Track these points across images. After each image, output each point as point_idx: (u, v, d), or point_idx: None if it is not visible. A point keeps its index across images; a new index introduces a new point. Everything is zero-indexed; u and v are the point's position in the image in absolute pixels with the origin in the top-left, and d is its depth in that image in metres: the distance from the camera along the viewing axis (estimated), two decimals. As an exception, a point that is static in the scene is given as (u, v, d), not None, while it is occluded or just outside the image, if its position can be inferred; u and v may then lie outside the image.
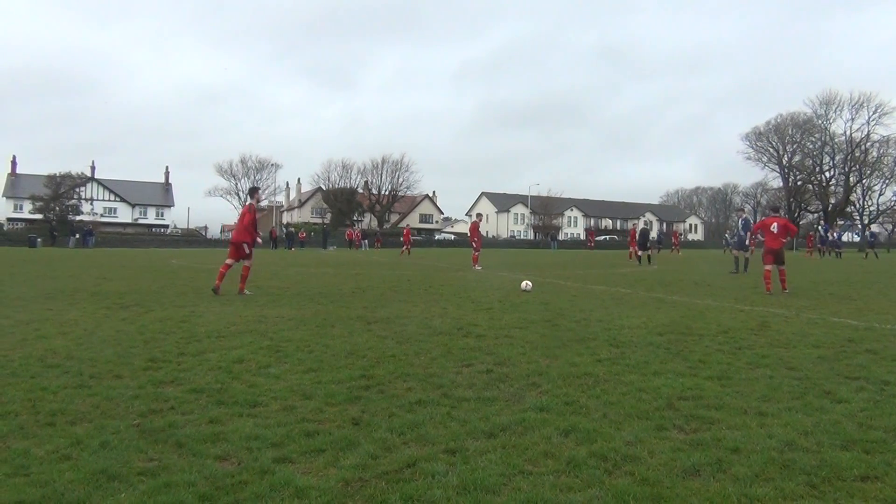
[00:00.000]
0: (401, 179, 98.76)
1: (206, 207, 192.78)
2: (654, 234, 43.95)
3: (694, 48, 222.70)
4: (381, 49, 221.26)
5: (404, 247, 44.97)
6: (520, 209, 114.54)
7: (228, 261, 13.34)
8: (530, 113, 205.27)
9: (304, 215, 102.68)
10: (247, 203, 14.08)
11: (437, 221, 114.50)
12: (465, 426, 4.40)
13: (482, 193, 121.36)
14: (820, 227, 51.47)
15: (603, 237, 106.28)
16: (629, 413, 4.73)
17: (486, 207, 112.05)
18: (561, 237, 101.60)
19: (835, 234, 49.97)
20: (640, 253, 31.57)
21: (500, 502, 3.26)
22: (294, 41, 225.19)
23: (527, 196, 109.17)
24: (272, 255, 39.19)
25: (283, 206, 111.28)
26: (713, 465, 3.71)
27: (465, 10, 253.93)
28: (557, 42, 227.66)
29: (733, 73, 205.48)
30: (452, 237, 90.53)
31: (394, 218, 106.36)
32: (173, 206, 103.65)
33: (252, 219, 13.60)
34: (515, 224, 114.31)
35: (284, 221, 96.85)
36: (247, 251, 13.41)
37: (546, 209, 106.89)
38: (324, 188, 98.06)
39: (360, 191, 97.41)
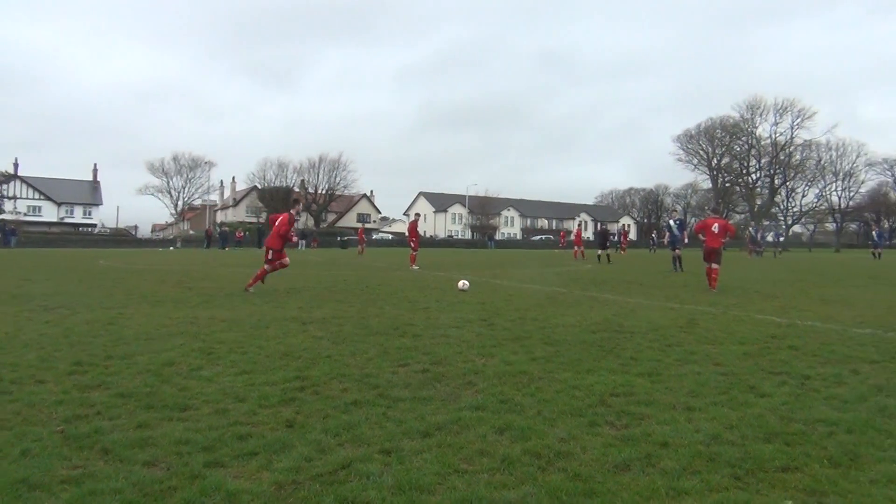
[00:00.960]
0: (338, 178, 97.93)
1: (137, 206, 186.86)
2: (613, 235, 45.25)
3: (629, 55, 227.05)
4: (324, 49, 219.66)
5: (360, 245, 46.21)
6: (457, 209, 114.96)
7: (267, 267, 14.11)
8: (471, 114, 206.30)
9: (238, 214, 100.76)
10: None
11: (374, 221, 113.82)
12: (401, 426, 4.40)
13: (420, 193, 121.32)
14: (751, 228, 53.35)
15: (539, 237, 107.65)
16: (563, 410, 4.80)
17: (424, 207, 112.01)
18: (498, 237, 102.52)
19: (763, 235, 51.86)
20: (599, 252, 32.68)
21: (435, 502, 3.27)
22: (234, 39, 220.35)
23: (464, 196, 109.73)
24: (206, 255, 38.34)
25: (216, 204, 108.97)
26: (643, 460, 3.80)
27: (408, 13, 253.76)
28: (499, 46, 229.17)
29: (666, 79, 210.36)
30: (390, 237, 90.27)
31: (331, 217, 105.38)
32: (101, 204, 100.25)
33: (287, 229, 14.14)
34: (453, 224, 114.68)
35: (218, 220, 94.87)
36: (269, 257, 14.03)
37: (483, 209, 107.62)
38: (259, 187, 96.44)
39: (297, 189, 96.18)
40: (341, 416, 4.64)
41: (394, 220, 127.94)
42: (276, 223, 14.32)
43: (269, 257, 14.03)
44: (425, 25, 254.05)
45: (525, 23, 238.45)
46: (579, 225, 40.74)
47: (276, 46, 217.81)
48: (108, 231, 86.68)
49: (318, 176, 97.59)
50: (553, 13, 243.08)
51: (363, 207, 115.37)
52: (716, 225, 16.09)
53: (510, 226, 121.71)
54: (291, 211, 14.46)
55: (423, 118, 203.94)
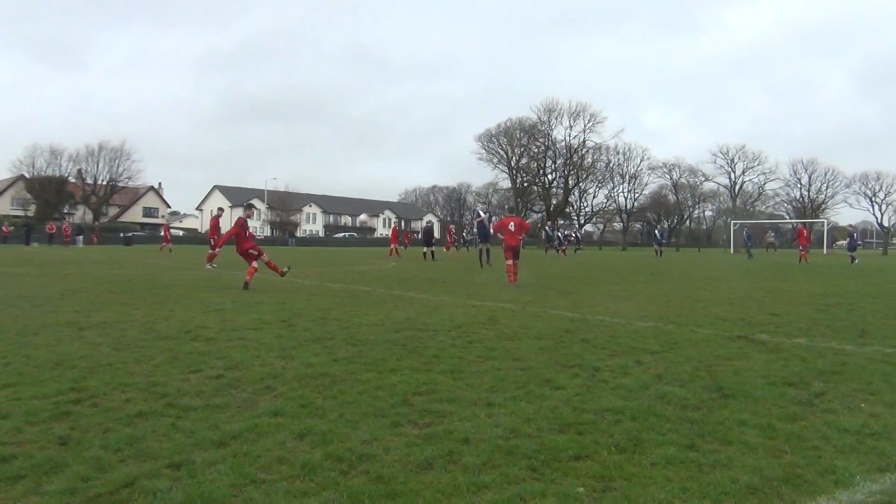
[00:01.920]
0: (121, 169, 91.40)
1: None
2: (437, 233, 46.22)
3: (438, 54, 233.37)
4: (116, 25, 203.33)
5: (164, 243, 41.34)
6: (256, 204, 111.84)
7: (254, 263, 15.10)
8: (276, 107, 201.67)
9: (2, 206, 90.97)
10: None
11: (163, 216, 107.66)
12: (192, 437, 4.20)
13: (215, 187, 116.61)
14: (547, 227, 56.79)
15: (343, 234, 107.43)
16: (365, 412, 4.82)
17: (220, 202, 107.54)
18: (300, 234, 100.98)
19: (561, 233, 55.38)
20: (425, 250, 33.68)
21: (229, 515, 3.16)
22: (6, 8, 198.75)
23: (263, 190, 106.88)
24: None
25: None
26: (445, 458, 3.91)
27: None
28: (308, 37, 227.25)
29: (472, 79, 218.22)
30: (181, 233, 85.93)
31: (113, 211, 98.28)
32: None
33: (237, 231, 15.47)
34: (251, 220, 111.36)
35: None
36: (255, 253, 15.21)
37: (284, 204, 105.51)
38: (27, 176, 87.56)
39: (73, 180, 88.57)
40: (124, 429, 4.34)
41: (185, 215, 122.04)
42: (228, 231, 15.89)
43: (256, 253, 15.21)
44: (231, 11, 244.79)
45: (335, 15, 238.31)
46: (395, 225, 41.45)
47: (58, 20, 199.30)
48: None
49: (97, 165, 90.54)
50: (364, 8, 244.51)
51: (150, 201, 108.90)
52: (512, 223, 17.20)
53: (312, 222, 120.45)
54: (242, 216, 15.79)
55: (225, 108, 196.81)
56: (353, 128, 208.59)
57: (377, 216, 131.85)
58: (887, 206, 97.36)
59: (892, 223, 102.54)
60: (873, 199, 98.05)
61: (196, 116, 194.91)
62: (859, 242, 45.32)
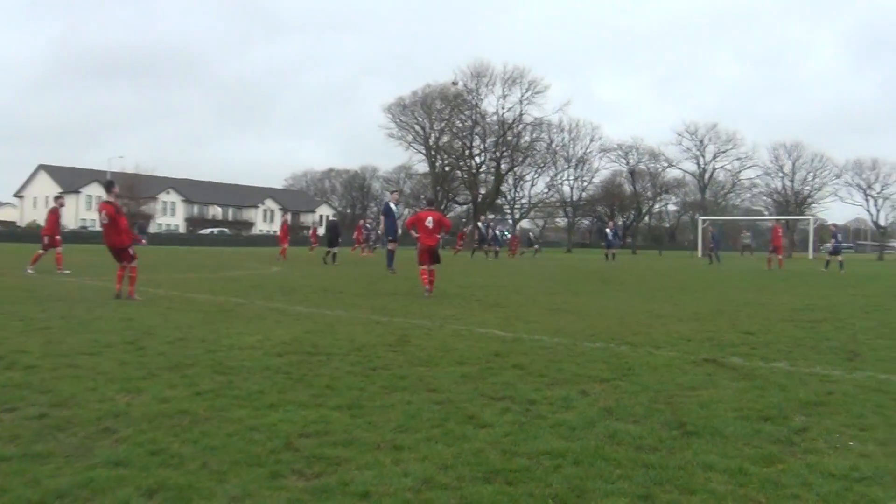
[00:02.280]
0: None
1: None
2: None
3: (340, 3, 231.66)
4: None
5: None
6: (95, 189, 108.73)
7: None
8: (125, 64, 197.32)
9: None
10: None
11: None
12: (3, 497, 4.06)
13: (40, 167, 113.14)
14: (480, 224, 57.35)
15: (211, 230, 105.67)
16: (236, 459, 4.76)
17: (47, 186, 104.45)
18: (153, 229, 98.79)
19: (495, 231, 55.93)
20: (328, 250, 34.03)
21: None
22: None
23: (105, 172, 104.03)
24: None
25: None
26: (338, 517, 3.89)
27: None
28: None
29: (382, 36, 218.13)
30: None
31: None
32: None
33: (126, 220, 15.52)
34: (89, 210, 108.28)
35: None
36: (132, 253, 15.16)
37: (132, 191, 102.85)
38: None
39: None
40: None
41: (1, 204, 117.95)
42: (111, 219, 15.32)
43: (133, 254, 15.19)
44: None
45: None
46: (284, 220, 41.26)
47: None
48: None
49: None
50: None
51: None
52: (430, 218, 17.19)
53: (171, 214, 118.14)
54: (111, 197, 15.61)
55: (57, 65, 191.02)
56: (227, 94, 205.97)
57: (256, 207, 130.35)
58: (884, 201, 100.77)
59: (889, 222, 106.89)
60: (868, 191, 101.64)
61: (17, 75, 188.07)
62: (845, 245, 47.37)
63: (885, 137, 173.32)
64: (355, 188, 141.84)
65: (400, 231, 27.31)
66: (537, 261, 47.99)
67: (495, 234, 53.88)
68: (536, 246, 61.96)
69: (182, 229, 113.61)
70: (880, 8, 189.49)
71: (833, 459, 4.99)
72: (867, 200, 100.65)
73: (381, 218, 30.17)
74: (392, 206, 28.27)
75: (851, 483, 4.55)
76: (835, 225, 46.62)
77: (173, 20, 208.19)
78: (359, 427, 5.57)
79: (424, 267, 16.93)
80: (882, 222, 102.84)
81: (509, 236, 59.27)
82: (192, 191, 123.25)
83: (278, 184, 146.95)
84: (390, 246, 25.86)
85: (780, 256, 38.84)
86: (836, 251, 38.03)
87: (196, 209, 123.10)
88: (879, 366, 8.73)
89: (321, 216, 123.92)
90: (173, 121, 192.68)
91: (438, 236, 17.39)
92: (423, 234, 17.13)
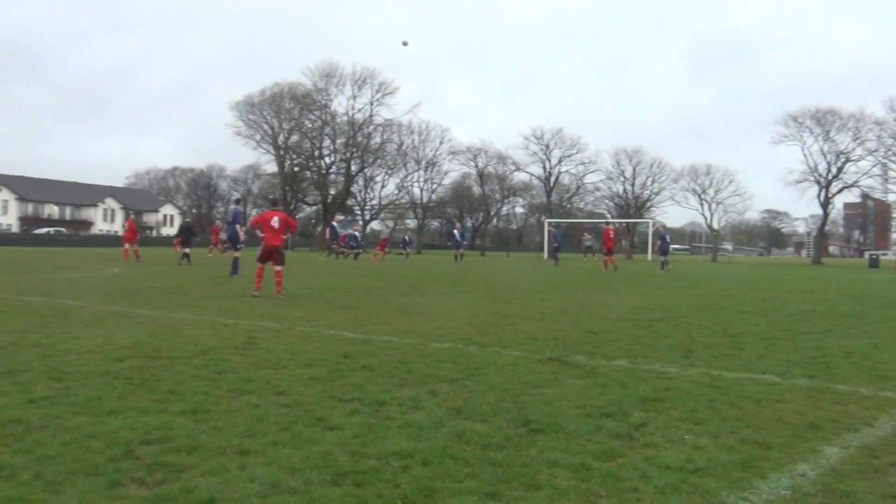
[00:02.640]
0: None
1: None
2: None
3: (186, 0, 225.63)
4: None
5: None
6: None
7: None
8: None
9: None
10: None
11: None
12: None
13: None
14: (336, 224, 57.13)
15: (47, 230, 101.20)
16: (73, 469, 4.57)
17: None
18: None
19: (354, 233, 55.86)
20: (182, 251, 33.25)
21: None
22: None
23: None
24: None
25: None
26: (182, 525, 3.80)
27: None
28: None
29: (230, 32, 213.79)
30: None
31: None
32: None
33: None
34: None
35: None
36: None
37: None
38: None
39: None
40: None
41: None
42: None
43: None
44: None
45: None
46: (130, 218, 40.00)
47: None
48: None
49: None
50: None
51: None
52: (275, 218, 17.20)
53: (3, 213, 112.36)
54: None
55: None
56: (67, 90, 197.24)
57: (95, 206, 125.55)
58: (717, 205, 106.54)
59: (722, 225, 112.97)
60: (702, 196, 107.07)
61: None
62: (679, 247, 49.61)
63: (717, 144, 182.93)
64: (201, 187, 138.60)
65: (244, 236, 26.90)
66: (389, 263, 48.09)
67: (355, 235, 53.85)
68: (408, 250, 61.98)
69: (15, 228, 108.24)
70: (713, 23, 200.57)
71: (669, 453, 5.20)
72: (702, 204, 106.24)
73: (226, 225, 29.76)
74: (235, 208, 28.07)
75: (687, 475, 4.76)
76: (663, 226, 48.77)
77: (7, 12, 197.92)
78: (203, 432, 5.45)
79: (262, 266, 17.07)
80: (715, 225, 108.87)
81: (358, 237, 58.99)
82: (26, 188, 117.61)
83: (119, 181, 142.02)
84: (237, 253, 25.35)
85: (612, 257, 40.24)
86: (663, 252, 39.70)
87: (31, 208, 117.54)
88: (713, 362, 9.18)
89: (167, 216, 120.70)
90: (7, 116, 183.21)
91: (284, 237, 17.42)
92: (269, 234, 17.13)
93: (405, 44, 79.87)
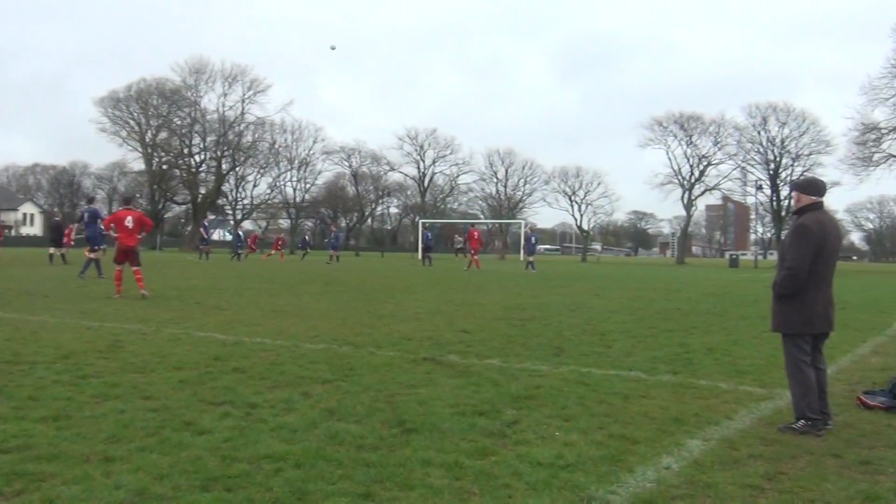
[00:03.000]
0: None
1: None
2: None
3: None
4: None
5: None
6: None
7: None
8: None
9: None
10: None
11: None
12: None
13: None
14: (206, 222, 56.20)
15: None
16: (-78, 481, 4.35)
17: None
18: None
19: (238, 233, 55.13)
20: (52, 251, 33.43)
21: None
22: None
23: None
24: None
25: None
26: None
27: None
28: None
29: (94, 25, 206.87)
30: None
31: None
32: None
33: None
34: None
35: None
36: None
37: None
38: None
39: None
40: None
41: None
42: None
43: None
44: None
45: None
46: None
47: None
48: None
49: None
50: None
51: None
52: (129, 218, 16.93)
53: None
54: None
55: None
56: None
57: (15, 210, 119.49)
58: (587, 207, 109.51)
59: (591, 226, 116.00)
60: (572, 197, 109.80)
61: None
62: (550, 247, 50.90)
63: (587, 147, 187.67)
64: (63, 185, 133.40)
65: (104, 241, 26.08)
66: (256, 263, 47.43)
67: (238, 234, 53.51)
68: (308, 249, 61.02)
69: None
70: (582, 30, 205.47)
71: (541, 449, 5.31)
72: (572, 206, 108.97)
73: (84, 226, 28.53)
74: (87, 209, 27.35)
75: (557, 470, 4.87)
76: (531, 228, 49.90)
77: None
78: (66, 439, 5.27)
79: (120, 268, 16.75)
80: (585, 226, 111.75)
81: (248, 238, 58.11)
82: None
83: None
84: (94, 255, 24.46)
85: (475, 258, 41.03)
86: (530, 252, 40.64)
87: None
88: (582, 360, 9.42)
89: (27, 215, 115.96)
90: None
91: (139, 236, 17.06)
92: (123, 233, 16.81)
93: (333, 48, 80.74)
